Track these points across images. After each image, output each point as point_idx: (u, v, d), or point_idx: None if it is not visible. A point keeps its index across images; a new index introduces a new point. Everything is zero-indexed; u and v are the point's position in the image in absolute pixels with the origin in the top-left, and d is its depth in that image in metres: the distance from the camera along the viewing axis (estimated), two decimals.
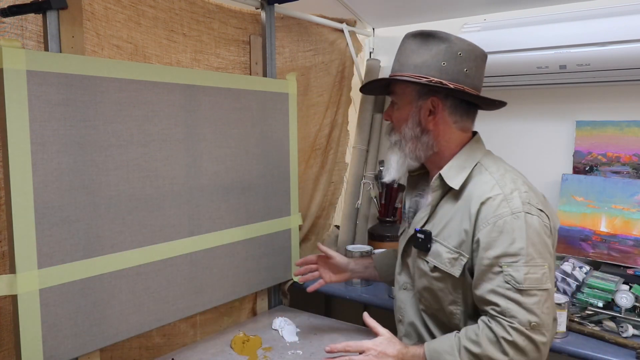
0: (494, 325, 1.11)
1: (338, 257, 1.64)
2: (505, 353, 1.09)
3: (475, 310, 1.22)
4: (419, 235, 1.27)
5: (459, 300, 1.21)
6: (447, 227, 1.22)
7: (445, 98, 1.24)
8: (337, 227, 2.46)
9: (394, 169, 1.29)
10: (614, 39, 1.68)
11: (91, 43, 1.44)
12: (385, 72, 2.54)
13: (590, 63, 1.75)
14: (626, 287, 1.65)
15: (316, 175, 2.30)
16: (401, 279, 1.37)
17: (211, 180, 1.68)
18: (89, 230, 1.35)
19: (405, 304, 1.35)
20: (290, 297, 2.12)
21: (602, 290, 1.64)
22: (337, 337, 1.75)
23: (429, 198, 1.30)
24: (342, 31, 2.32)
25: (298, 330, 1.78)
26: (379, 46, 2.57)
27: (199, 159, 1.63)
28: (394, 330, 1.38)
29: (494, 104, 1.29)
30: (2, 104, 1.18)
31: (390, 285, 1.80)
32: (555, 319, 1.26)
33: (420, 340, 1.32)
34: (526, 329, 1.08)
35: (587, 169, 1.98)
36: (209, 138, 1.66)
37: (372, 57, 2.57)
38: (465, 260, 1.18)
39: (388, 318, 1.85)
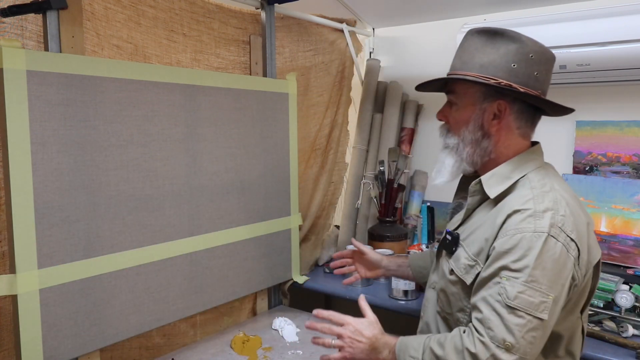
0: (464, 335, 1.08)
1: (371, 253, 1.64)
2: (463, 358, 1.05)
3: None
4: (447, 236, 1.24)
5: (467, 310, 1.17)
6: (474, 233, 1.18)
7: (513, 102, 1.16)
8: (337, 227, 2.45)
9: (448, 172, 1.22)
10: (614, 39, 1.68)
11: (91, 43, 1.44)
12: (385, 73, 2.54)
13: (590, 63, 1.75)
14: (626, 287, 1.64)
15: (316, 175, 2.30)
16: (432, 278, 1.34)
17: (211, 180, 1.68)
18: (89, 230, 1.35)
19: (429, 302, 1.33)
20: (290, 297, 2.12)
21: (602, 290, 1.64)
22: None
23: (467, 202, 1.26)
24: (342, 31, 2.32)
25: (298, 330, 1.78)
26: (379, 46, 2.57)
27: (199, 159, 1.63)
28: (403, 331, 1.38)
29: (564, 110, 1.19)
30: (2, 104, 1.19)
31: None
32: (573, 355, 1.20)
33: None
34: (497, 345, 1.02)
35: (587, 169, 1.98)
36: (209, 138, 1.66)
37: (372, 57, 2.57)
38: (480, 269, 1.13)
39: (388, 319, 1.85)
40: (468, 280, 1.15)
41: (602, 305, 1.62)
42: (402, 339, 1.19)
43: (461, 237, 1.21)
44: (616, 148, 1.92)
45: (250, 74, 1.91)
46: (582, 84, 1.93)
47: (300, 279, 2.07)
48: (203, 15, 1.76)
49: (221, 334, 1.79)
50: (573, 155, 2.02)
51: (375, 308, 1.96)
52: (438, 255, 1.32)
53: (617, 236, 1.83)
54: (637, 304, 1.59)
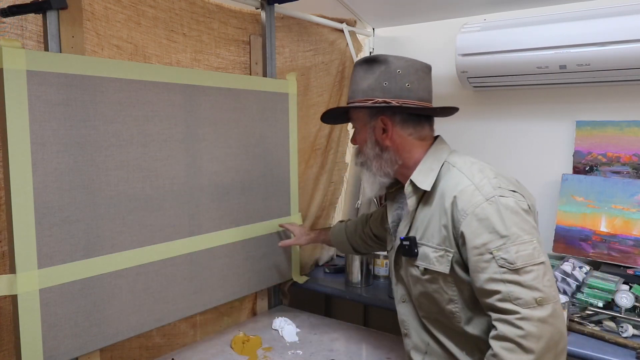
0: (503, 329, 1.07)
1: (297, 232, 1.89)
2: (529, 351, 1.04)
3: (474, 305, 1.21)
4: (404, 243, 1.29)
5: (455, 298, 1.22)
6: (428, 228, 1.25)
7: (393, 115, 1.29)
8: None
9: (368, 189, 1.35)
10: (614, 39, 1.68)
11: (91, 43, 1.44)
12: None
13: (590, 63, 1.75)
14: (626, 287, 1.65)
15: (316, 175, 2.30)
16: (399, 291, 1.39)
17: (211, 180, 1.68)
18: (89, 230, 1.35)
19: (407, 316, 1.37)
20: (290, 297, 2.12)
21: (602, 290, 1.64)
22: (337, 337, 1.75)
23: (407, 207, 1.32)
24: (342, 31, 2.32)
25: (298, 330, 1.78)
26: (379, 46, 2.57)
27: (199, 159, 1.63)
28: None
29: (444, 112, 1.33)
30: (2, 104, 1.19)
31: (345, 252, 1.93)
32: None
33: (430, 351, 1.31)
34: (533, 307, 1.05)
35: (587, 169, 1.98)
36: (209, 138, 1.66)
37: None
38: (451, 255, 1.20)
39: (389, 319, 1.85)
40: (446, 269, 1.20)
41: (602, 305, 1.62)
42: None
43: (417, 238, 1.28)
44: (616, 148, 1.92)
45: (250, 74, 1.91)
46: (582, 84, 1.93)
47: (300, 279, 2.07)
48: (203, 15, 1.75)
49: (221, 334, 1.79)
50: (573, 155, 2.01)
51: (375, 308, 1.96)
52: (397, 267, 1.38)
53: (617, 236, 1.83)
54: (637, 304, 1.59)
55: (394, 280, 1.41)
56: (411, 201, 1.29)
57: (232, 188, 1.75)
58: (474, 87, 2.10)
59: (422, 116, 1.32)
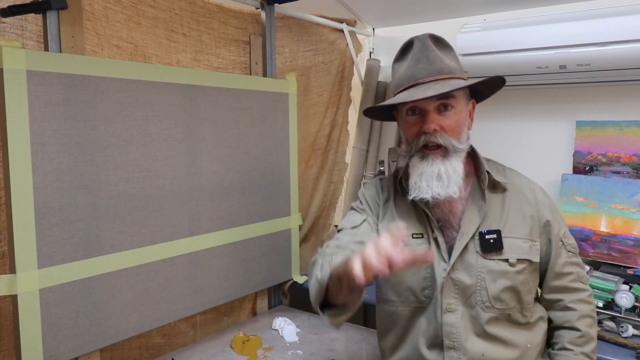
0: (583, 308, 1.24)
1: None
2: (596, 320, 1.26)
3: (534, 292, 1.28)
4: (488, 236, 1.19)
5: (532, 287, 1.25)
6: (509, 220, 1.23)
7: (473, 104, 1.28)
8: (337, 227, 2.45)
9: (462, 179, 1.18)
10: (614, 39, 1.68)
11: (91, 43, 1.44)
12: (385, 73, 2.53)
13: (590, 63, 1.75)
14: (626, 287, 1.64)
15: (316, 175, 2.30)
16: (444, 300, 1.19)
17: (211, 180, 1.68)
18: (89, 230, 1.35)
19: (458, 327, 1.18)
20: (290, 297, 2.12)
21: (602, 290, 1.64)
22: (337, 336, 1.75)
23: (464, 201, 1.23)
24: (342, 31, 2.32)
25: (298, 330, 1.78)
26: (379, 46, 2.57)
27: (199, 159, 1.63)
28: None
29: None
30: (2, 104, 1.19)
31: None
32: None
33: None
34: (588, 284, 1.28)
35: (587, 169, 1.98)
36: (209, 138, 1.66)
37: (372, 57, 2.57)
38: (538, 244, 1.24)
39: None
40: (537, 257, 1.24)
41: (602, 305, 1.62)
42: None
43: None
44: (616, 148, 1.92)
45: (250, 74, 1.91)
46: (582, 84, 1.93)
47: (300, 279, 2.07)
48: (203, 15, 1.76)
49: (221, 334, 1.79)
50: (573, 155, 2.01)
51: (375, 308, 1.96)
52: (451, 271, 1.19)
53: (617, 236, 1.83)
54: (637, 304, 1.59)
55: (437, 288, 1.20)
56: (482, 195, 1.23)
57: (232, 188, 1.75)
58: None
59: None
